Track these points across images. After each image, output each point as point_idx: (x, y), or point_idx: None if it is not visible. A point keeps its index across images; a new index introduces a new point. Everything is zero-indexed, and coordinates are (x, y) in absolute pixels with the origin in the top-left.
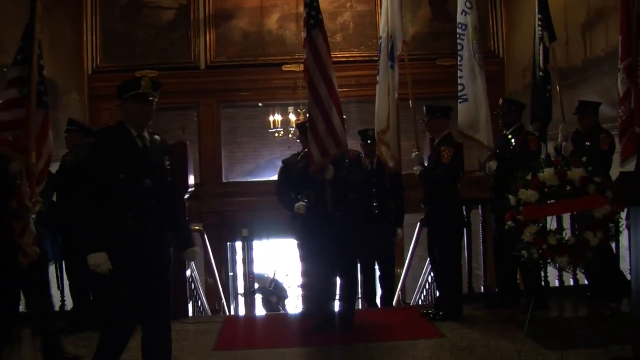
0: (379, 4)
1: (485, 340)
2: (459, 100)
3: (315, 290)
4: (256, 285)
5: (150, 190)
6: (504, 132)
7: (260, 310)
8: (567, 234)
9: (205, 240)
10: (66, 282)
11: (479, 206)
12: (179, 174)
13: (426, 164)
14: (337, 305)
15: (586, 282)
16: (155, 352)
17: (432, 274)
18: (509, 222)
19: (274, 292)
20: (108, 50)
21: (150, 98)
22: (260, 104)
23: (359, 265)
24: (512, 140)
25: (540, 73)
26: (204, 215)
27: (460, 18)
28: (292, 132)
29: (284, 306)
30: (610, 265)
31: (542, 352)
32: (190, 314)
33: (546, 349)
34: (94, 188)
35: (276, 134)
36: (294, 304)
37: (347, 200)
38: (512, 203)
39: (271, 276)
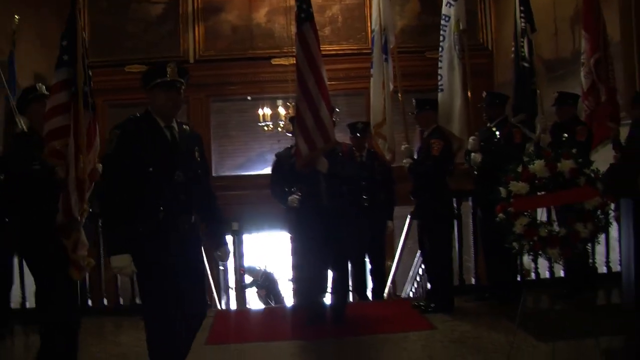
0: None
1: (476, 332)
2: (438, 91)
3: (307, 283)
4: (247, 280)
5: (181, 184)
6: (488, 124)
7: (253, 304)
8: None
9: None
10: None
11: (470, 198)
12: None
13: (416, 157)
14: (328, 299)
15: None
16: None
17: (422, 266)
18: (500, 214)
19: (264, 286)
20: (96, 45)
21: (178, 85)
22: (249, 98)
23: (350, 258)
24: (497, 133)
25: (526, 64)
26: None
27: (444, 10)
28: (281, 125)
29: (276, 299)
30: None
31: (533, 343)
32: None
33: (538, 341)
34: (118, 183)
35: (265, 128)
36: (285, 297)
37: (341, 193)
38: (503, 195)
39: (262, 269)
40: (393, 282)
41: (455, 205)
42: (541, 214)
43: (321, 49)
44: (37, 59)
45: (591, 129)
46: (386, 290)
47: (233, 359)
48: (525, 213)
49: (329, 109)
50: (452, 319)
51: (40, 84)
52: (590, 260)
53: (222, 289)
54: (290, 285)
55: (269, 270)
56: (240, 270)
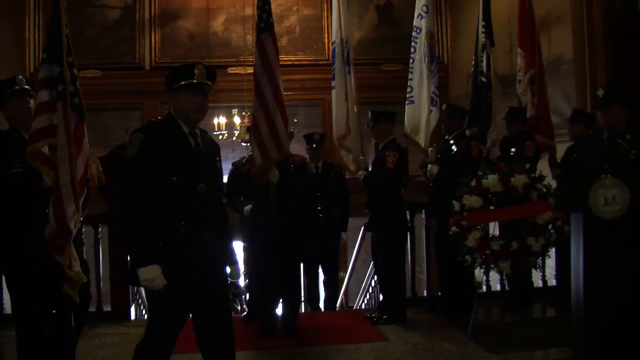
0: (325, 8)
1: (428, 343)
2: (407, 102)
3: (259, 293)
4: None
5: (204, 196)
6: (446, 137)
7: None
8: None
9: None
10: None
11: (423, 211)
12: None
13: (370, 169)
14: (280, 309)
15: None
16: None
17: (375, 277)
18: (454, 228)
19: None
20: None
21: (205, 88)
22: None
23: (302, 268)
24: (454, 146)
25: (483, 79)
26: None
27: (416, 22)
28: (236, 134)
29: (240, 303)
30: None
31: (484, 355)
32: (133, 317)
33: (488, 352)
34: (140, 190)
35: (220, 137)
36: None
37: (292, 205)
38: (457, 209)
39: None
40: (346, 293)
41: (408, 217)
42: (494, 228)
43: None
44: None
45: (539, 144)
46: (339, 302)
47: None
48: (478, 227)
49: (284, 119)
50: (404, 331)
51: (20, 76)
52: (541, 274)
53: None
54: (245, 294)
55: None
56: None
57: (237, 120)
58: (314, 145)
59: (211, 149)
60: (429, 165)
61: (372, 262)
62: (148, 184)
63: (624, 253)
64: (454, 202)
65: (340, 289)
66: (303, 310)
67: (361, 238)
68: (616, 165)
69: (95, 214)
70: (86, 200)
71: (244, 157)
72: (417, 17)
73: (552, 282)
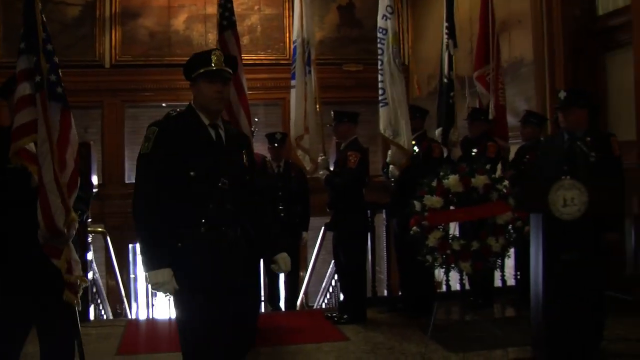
0: (287, 7)
1: (389, 343)
2: (380, 104)
3: None
4: None
5: (227, 192)
6: None
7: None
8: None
9: (107, 242)
10: None
11: (383, 211)
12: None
13: (332, 169)
14: None
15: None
16: None
17: (336, 277)
18: (414, 228)
19: None
20: (9, 45)
21: (226, 75)
22: (164, 105)
23: (262, 268)
24: (415, 147)
25: (445, 80)
26: (106, 217)
27: (381, 22)
28: None
29: None
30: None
31: (444, 354)
32: (92, 317)
33: (449, 351)
34: (155, 188)
35: None
36: None
37: None
38: (417, 209)
39: None
40: (306, 292)
41: (369, 217)
42: (454, 228)
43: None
44: None
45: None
46: (299, 301)
47: None
48: (439, 227)
49: (248, 118)
50: (365, 330)
51: None
52: (500, 274)
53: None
54: None
55: None
56: None
57: None
58: (276, 145)
59: (237, 141)
60: (391, 166)
61: (332, 262)
62: (164, 179)
63: (582, 254)
64: (415, 202)
65: (301, 289)
66: (263, 310)
67: (322, 237)
68: (576, 167)
69: None
70: (87, 197)
71: None
72: (382, 18)
73: (511, 281)
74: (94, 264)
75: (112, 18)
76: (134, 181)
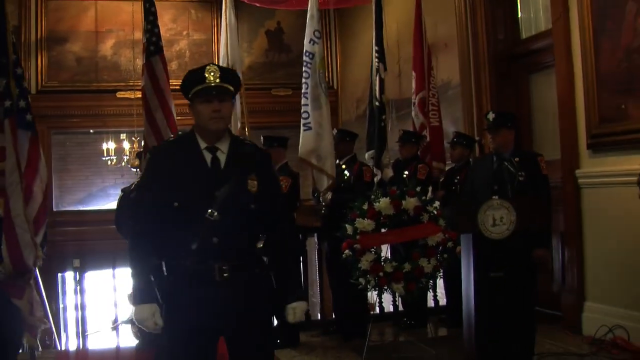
0: (215, 32)
1: None
2: (303, 128)
3: None
4: (125, 316)
5: (216, 224)
6: (337, 161)
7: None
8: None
9: (35, 272)
10: None
11: (315, 234)
12: None
13: None
14: None
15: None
16: None
17: None
18: (347, 251)
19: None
20: None
21: (222, 91)
22: (91, 131)
23: None
24: (346, 171)
25: (377, 103)
26: None
27: (307, 46)
28: (125, 160)
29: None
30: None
31: None
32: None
33: None
34: (143, 219)
35: (109, 162)
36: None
37: None
38: (349, 232)
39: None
40: None
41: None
42: (386, 250)
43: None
44: None
45: (431, 169)
46: None
47: None
48: (371, 249)
49: None
50: (298, 354)
51: None
52: (432, 295)
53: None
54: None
55: None
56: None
57: (126, 145)
58: None
59: (245, 164)
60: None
61: None
62: (154, 210)
63: (511, 271)
64: (346, 225)
65: None
66: None
67: None
68: (504, 186)
69: None
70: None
71: (133, 182)
72: (309, 42)
73: (443, 301)
74: None
75: (37, 43)
76: (61, 209)
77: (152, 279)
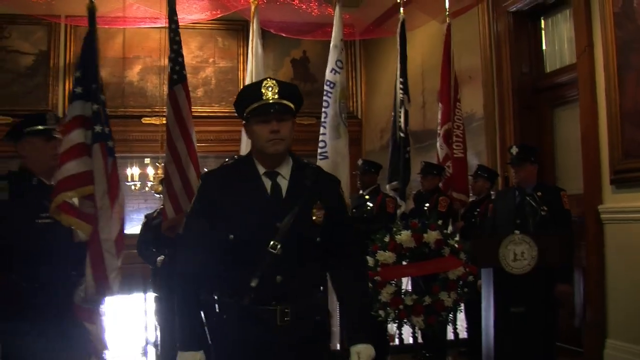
0: (241, 60)
1: None
2: (320, 157)
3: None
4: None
5: (279, 259)
6: (361, 192)
7: None
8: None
9: None
10: None
11: None
12: None
13: None
14: None
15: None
16: None
17: None
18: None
19: None
20: None
21: (280, 110)
22: (116, 156)
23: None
24: (369, 202)
25: (402, 134)
26: None
27: (329, 76)
28: (149, 185)
29: None
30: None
31: None
32: None
33: None
34: (192, 253)
35: (133, 187)
36: None
37: None
38: (370, 264)
39: None
40: None
41: None
42: (406, 283)
43: (193, 110)
44: None
45: (452, 200)
46: None
47: None
48: (392, 282)
49: (197, 172)
50: None
51: (52, 113)
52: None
53: None
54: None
55: None
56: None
57: (150, 171)
58: None
59: (309, 190)
60: None
61: None
62: (204, 245)
63: (531, 306)
64: (367, 257)
65: None
66: None
67: None
68: (526, 221)
69: None
70: None
71: (156, 210)
72: (331, 71)
73: (463, 334)
74: None
75: (65, 68)
76: None
77: (202, 315)
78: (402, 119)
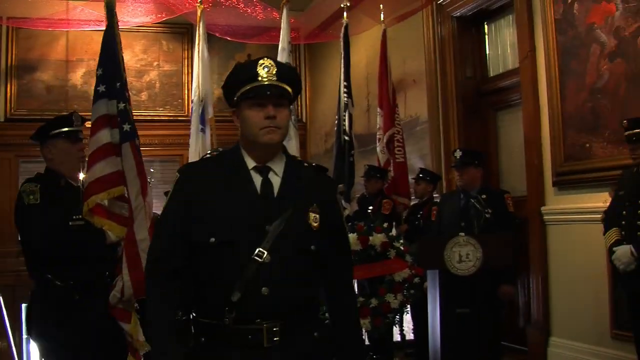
0: (186, 64)
1: None
2: None
3: None
4: None
5: (268, 268)
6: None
7: None
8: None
9: None
10: None
11: None
12: None
13: None
14: None
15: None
16: None
17: None
18: None
19: None
20: None
21: (280, 93)
22: None
23: None
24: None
25: (346, 138)
26: None
27: None
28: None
29: None
30: None
31: None
32: None
33: None
34: (165, 261)
35: None
36: None
37: None
38: None
39: None
40: None
41: None
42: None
43: (137, 114)
44: None
45: (395, 204)
46: None
47: None
48: None
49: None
50: None
51: (77, 114)
52: (399, 330)
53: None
54: None
55: None
56: None
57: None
58: None
59: (304, 190)
60: None
61: None
62: (180, 246)
63: (476, 307)
64: None
65: None
66: None
67: None
68: (471, 223)
69: None
70: None
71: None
72: None
73: (410, 336)
74: None
75: (7, 71)
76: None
77: (175, 340)
78: (346, 123)
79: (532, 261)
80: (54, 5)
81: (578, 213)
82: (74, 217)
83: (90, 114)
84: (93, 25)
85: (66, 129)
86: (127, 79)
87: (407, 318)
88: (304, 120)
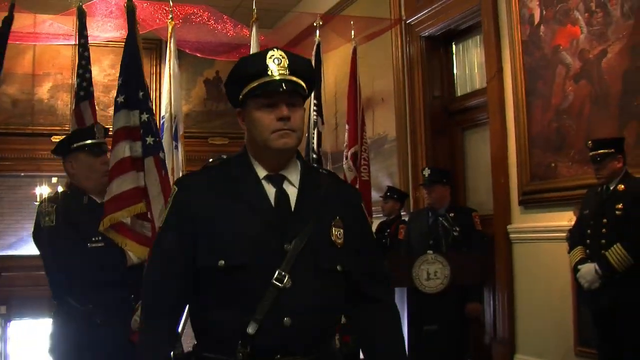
0: (154, 80)
1: None
2: None
3: None
4: None
5: (288, 294)
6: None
7: None
8: None
9: None
10: None
11: None
12: None
13: None
14: None
15: None
16: None
17: None
18: None
19: None
20: None
21: (293, 89)
22: (22, 174)
23: None
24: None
25: (314, 155)
26: None
27: None
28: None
29: None
30: None
31: None
32: None
33: None
34: (163, 286)
35: None
36: None
37: None
38: None
39: None
40: None
41: None
42: None
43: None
44: None
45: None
46: None
47: None
48: None
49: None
50: None
51: (100, 125)
52: None
53: None
54: None
55: None
56: None
57: (59, 189)
58: None
59: (328, 203)
60: None
61: None
62: (177, 275)
63: (444, 324)
64: None
65: None
66: None
67: None
68: (439, 241)
69: None
70: None
71: None
72: None
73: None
74: None
75: None
76: None
77: None
78: (314, 140)
79: (498, 279)
80: (21, 18)
81: (543, 231)
82: (94, 238)
83: (55, 128)
84: (62, 40)
85: (89, 141)
86: (95, 94)
87: None
88: None
